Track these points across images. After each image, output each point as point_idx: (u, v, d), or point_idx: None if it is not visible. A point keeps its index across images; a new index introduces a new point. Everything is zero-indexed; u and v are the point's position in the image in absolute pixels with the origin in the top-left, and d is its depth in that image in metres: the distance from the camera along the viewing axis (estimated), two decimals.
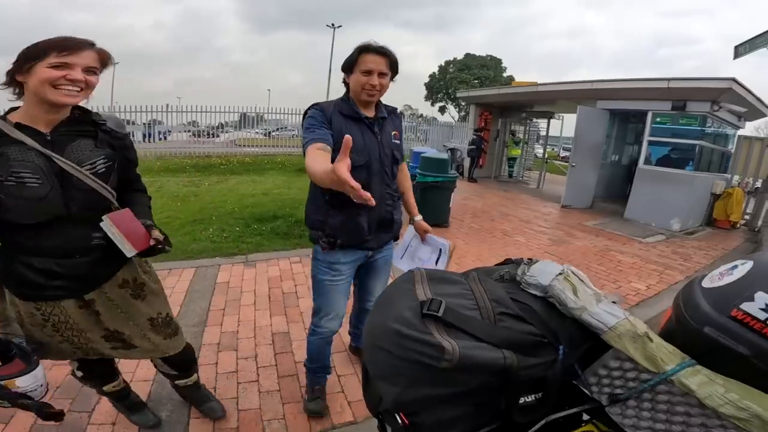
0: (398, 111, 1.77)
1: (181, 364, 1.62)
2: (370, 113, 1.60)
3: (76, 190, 1.14)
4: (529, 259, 0.89)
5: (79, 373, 1.49)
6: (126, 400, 1.69)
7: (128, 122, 10.59)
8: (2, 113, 1.12)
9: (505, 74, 35.07)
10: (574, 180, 7.57)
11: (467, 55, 35.56)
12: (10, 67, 1.05)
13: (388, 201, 1.67)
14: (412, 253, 1.92)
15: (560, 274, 0.80)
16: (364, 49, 1.50)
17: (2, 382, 1.13)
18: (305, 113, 1.56)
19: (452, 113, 36.79)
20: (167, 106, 11.22)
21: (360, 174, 1.53)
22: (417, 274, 0.83)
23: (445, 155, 5.39)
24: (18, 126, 1.07)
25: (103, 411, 1.79)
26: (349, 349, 2.36)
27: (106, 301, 1.32)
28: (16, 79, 1.05)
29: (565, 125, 11.84)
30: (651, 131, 6.78)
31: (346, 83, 1.59)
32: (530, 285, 0.81)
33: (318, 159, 1.25)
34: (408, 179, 1.91)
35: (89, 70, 1.10)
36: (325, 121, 1.51)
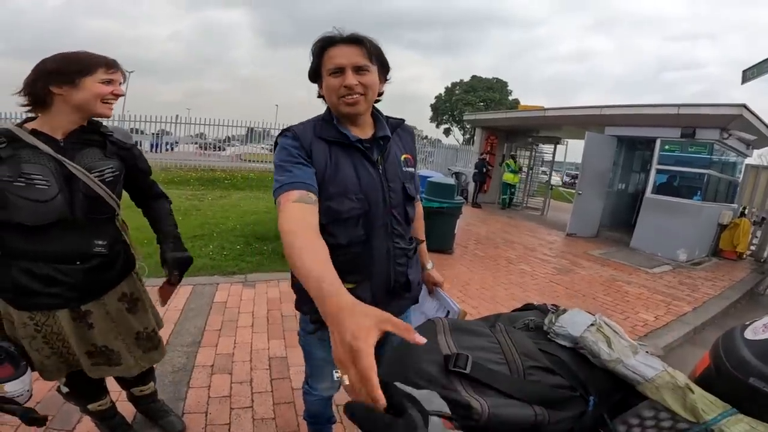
0: (395, 121, 1.23)
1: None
2: (363, 133, 1.13)
3: (83, 195, 1.17)
4: (554, 305, 0.86)
5: (65, 389, 1.44)
6: (111, 421, 1.61)
7: (137, 132, 10.73)
8: (19, 121, 1.18)
9: (510, 97, 35.55)
10: (580, 208, 7.52)
11: (474, 77, 36.16)
12: (34, 78, 1.09)
13: (399, 259, 1.18)
14: (416, 306, 1.47)
15: (592, 325, 0.78)
16: (326, 43, 1.06)
17: None
18: (275, 143, 1.13)
19: (457, 136, 37.20)
20: (176, 117, 11.32)
21: (355, 228, 1.11)
22: (439, 324, 0.77)
23: (452, 181, 5.36)
24: (33, 132, 1.12)
25: (84, 431, 1.70)
26: None
27: (104, 314, 1.30)
28: (50, 90, 1.09)
29: (568, 150, 11.68)
30: (659, 159, 6.75)
31: (321, 96, 1.14)
32: (559, 335, 0.78)
33: (303, 238, 0.81)
34: (421, 219, 1.42)
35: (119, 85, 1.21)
36: (303, 154, 1.06)
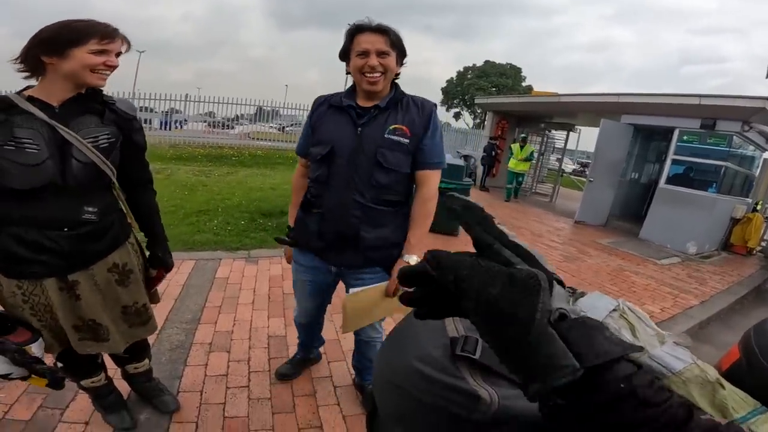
0: (416, 99, 1.41)
1: (134, 347, 1.52)
2: (367, 103, 1.37)
3: (76, 161, 1.16)
4: (570, 288, 0.81)
5: (59, 364, 1.41)
6: (105, 399, 1.60)
7: (148, 110, 10.75)
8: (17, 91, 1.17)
9: (523, 83, 34.85)
10: (591, 196, 7.38)
11: (487, 62, 35.47)
12: (29, 45, 1.08)
13: (354, 210, 1.35)
14: None
15: (615, 310, 0.71)
16: (356, 30, 1.31)
17: (22, 348, 1.17)
18: None
19: (467, 120, 36.69)
20: (186, 95, 11.34)
21: (319, 168, 1.39)
22: None
23: (461, 162, 5.25)
24: (30, 99, 1.12)
25: (78, 409, 1.68)
26: (354, 384, 2.06)
27: (92, 285, 1.28)
28: (41, 59, 1.08)
29: (581, 138, 11.38)
30: (676, 149, 6.57)
31: (349, 73, 1.39)
32: None
33: (295, 191, 1.49)
34: (423, 206, 1.45)
35: (117, 55, 1.18)
36: (309, 122, 1.44)
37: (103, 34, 1.12)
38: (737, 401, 0.60)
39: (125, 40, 1.19)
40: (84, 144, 1.16)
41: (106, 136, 1.22)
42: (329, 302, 1.79)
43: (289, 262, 1.68)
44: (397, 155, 1.34)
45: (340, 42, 1.40)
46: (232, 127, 13.64)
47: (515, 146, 9.05)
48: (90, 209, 1.22)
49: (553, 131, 10.73)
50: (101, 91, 1.24)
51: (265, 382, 2.00)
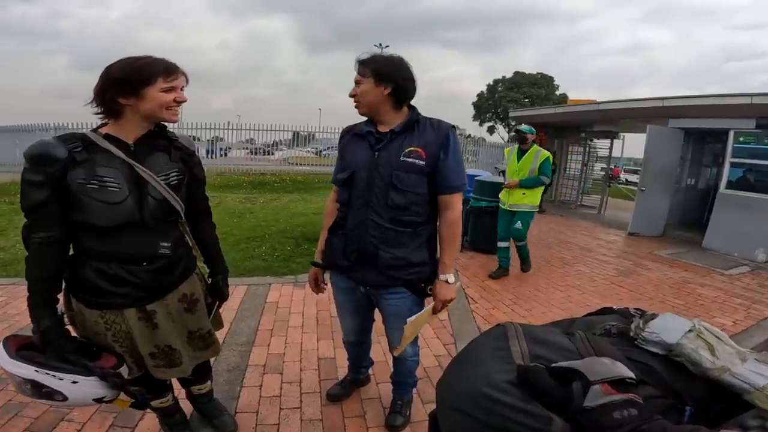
0: (433, 121, 1.45)
1: (198, 369, 1.58)
2: (386, 127, 1.45)
3: (151, 198, 1.22)
4: (638, 309, 0.80)
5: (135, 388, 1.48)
6: (172, 418, 1.66)
7: (196, 139, 11.39)
8: (93, 127, 1.25)
9: (557, 92, 34.04)
10: (644, 205, 6.96)
11: (516, 73, 35.04)
12: (102, 88, 1.13)
13: (372, 230, 1.42)
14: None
15: (690, 331, 0.71)
16: None
17: (118, 371, 1.24)
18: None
19: (501, 133, 36.10)
20: (228, 123, 12.10)
21: (343, 192, 1.50)
22: (511, 329, 0.73)
23: (500, 179, 5.14)
24: (107, 137, 1.18)
25: (144, 428, 1.77)
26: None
27: (166, 314, 1.34)
28: (118, 101, 1.14)
29: (626, 145, 10.69)
30: (733, 152, 6.12)
31: None
32: (649, 342, 0.72)
33: (327, 214, 1.65)
34: (449, 228, 1.47)
35: (181, 89, 1.23)
36: (340, 149, 1.59)
37: (166, 70, 1.17)
38: None
39: (183, 73, 1.23)
40: (158, 182, 1.23)
41: (175, 174, 1.29)
42: (372, 320, 1.83)
43: (312, 287, 1.78)
44: (412, 177, 1.39)
45: None
46: (272, 153, 14.20)
47: (507, 151, 4.44)
48: (164, 244, 1.28)
49: (595, 140, 10.30)
50: (166, 126, 1.31)
51: (316, 403, 2.02)
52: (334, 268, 1.61)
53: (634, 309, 0.82)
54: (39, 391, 1.13)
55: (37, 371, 1.12)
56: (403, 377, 1.84)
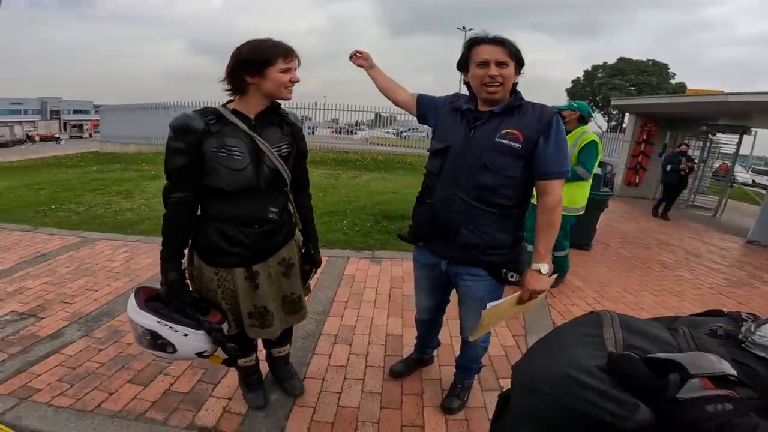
0: (536, 106, 1.40)
1: (283, 333, 1.67)
2: (485, 108, 1.42)
3: (266, 167, 1.36)
4: (750, 314, 0.78)
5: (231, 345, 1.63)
6: (250, 378, 1.81)
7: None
8: (222, 103, 1.40)
9: (672, 81, 29.97)
10: None
11: (621, 59, 31.36)
12: (233, 67, 1.28)
13: (458, 207, 1.42)
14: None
15: None
16: (475, 41, 1.37)
17: (220, 327, 1.38)
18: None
19: (599, 122, 32.93)
20: (315, 104, 12.74)
21: (435, 161, 1.50)
22: (607, 317, 0.72)
23: (597, 170, 4.70)
24: (234, 112, 1.33)
25: (225, 385, 1.95)
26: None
27: (267, 275, 1.47)
28: (245, 79, 1.28)
29: (756, 142, 9.01)
30: None
31: (467, 83, 1.46)
32: (758, 346, 0.69)
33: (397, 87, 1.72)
34: (547, 215, 1.40)
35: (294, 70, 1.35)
36: (439, 106, 1.57)
37: (285, 52, 1.29)
38: None
39: (297, 56, 1.34)
40: (272, 152, 1.36)
41: (286, 146, 1.42)
42: (447, 302, 1.83)
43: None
44: (504, 158, 1.36)
45: (451, 45, 1.52)
46: (354, 133, 14.61)
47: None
48: (273, 209, 1.42)
49: (719, 134, 8.91)
50: (280, 104, 1.44)
51: (378, 377, 2.09)
52: (419, 239, 1.62)
53: (747, 313, 0.78)
54: (155, 342, 1.31)
55: (158, 322, 1.29)
56: (469, 362, 1.84)
